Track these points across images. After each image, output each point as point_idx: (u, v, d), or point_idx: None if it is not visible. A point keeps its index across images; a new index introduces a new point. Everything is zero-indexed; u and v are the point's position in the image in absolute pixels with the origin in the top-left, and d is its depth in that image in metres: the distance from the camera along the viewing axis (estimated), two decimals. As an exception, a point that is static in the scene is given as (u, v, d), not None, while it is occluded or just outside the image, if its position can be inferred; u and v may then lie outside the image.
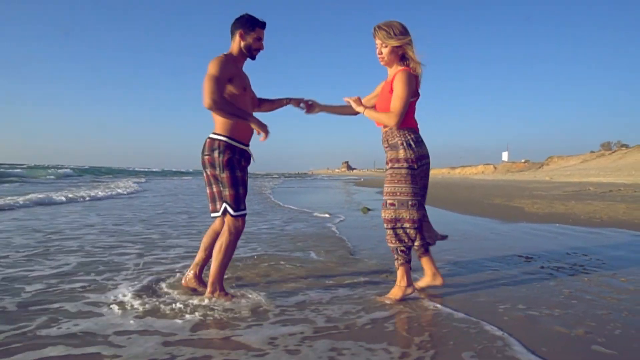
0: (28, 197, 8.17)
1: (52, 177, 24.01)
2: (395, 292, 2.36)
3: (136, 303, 2.23)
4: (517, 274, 2.97)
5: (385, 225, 2.43)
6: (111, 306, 2.20)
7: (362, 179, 38.81)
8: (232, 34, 2.41)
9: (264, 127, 2.27)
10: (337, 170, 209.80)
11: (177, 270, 2.98)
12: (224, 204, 2.33)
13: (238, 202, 2.33)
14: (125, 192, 11.95)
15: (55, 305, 2.23)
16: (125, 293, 2.40)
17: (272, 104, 2.74)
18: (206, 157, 2.35)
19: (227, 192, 2.31)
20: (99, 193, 10.71)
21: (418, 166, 2.38)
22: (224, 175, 2.31)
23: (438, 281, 2.52)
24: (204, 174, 2.44)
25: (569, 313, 2.16)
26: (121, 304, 2.23)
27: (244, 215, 2.38)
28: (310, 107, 2.72)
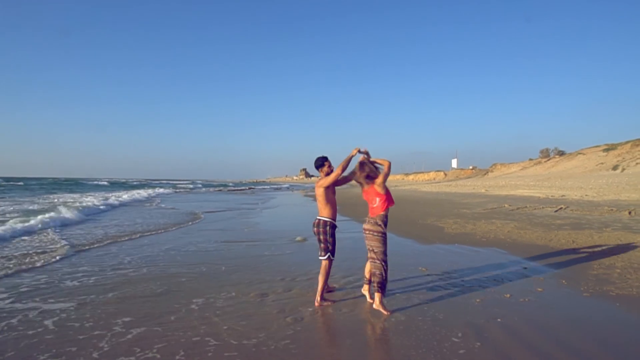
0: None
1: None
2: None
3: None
4: (414, 279, 5.73)
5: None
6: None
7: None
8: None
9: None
10: (295, 178, 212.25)
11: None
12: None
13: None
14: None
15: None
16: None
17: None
18: None
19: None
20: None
21: None
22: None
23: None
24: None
25: (420, 293, 4.91)
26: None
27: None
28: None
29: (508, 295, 4.88)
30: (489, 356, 3.27)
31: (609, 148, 53.35)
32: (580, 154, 59.83)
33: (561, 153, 70.49)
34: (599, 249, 7.58)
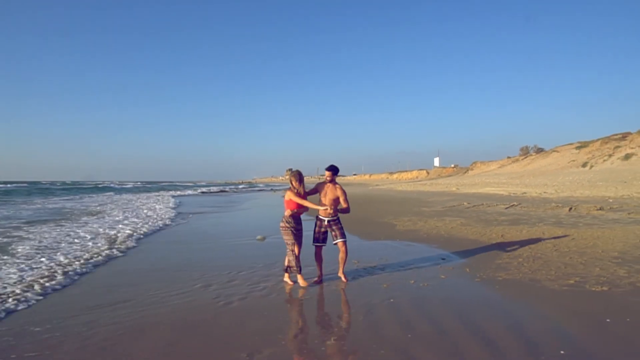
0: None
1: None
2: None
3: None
4: (348, 272, 6.59)
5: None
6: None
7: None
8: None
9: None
10: (281, 178, 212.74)
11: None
12: None
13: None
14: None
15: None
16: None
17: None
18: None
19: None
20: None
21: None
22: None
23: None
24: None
25: (352, 285, 5.77)
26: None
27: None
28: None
29: (412, 281, 5.77)
30: (363, 325, 4.14)
31: (581, 146, 55.20)
32: (554, 151, 61.67)
33: (540, 150, 72.33)
34: (519, 241, 8.55)
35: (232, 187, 77.98)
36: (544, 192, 21.84)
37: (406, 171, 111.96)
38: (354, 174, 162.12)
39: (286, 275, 5.97)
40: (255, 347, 3.67)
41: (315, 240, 6.07)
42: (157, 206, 21.97)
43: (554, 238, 8.72)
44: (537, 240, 8.56)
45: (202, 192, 46.83)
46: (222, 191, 51.21)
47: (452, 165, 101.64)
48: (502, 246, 8.22)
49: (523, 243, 8.37)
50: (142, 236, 10.87)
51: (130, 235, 10.70)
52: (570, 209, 13.81)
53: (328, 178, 5.97)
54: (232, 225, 14.61)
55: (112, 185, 79.22)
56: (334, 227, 5.97)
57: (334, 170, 6.02)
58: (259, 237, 10.46)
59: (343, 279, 5.99)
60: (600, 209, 13.20)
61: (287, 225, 5.83)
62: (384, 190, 36.04)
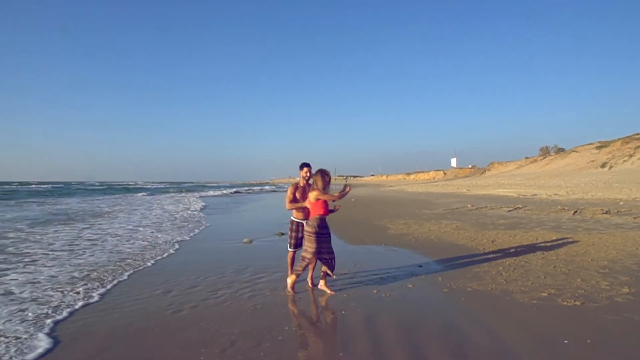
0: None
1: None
2: None
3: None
4: (316, 279, 6.34)
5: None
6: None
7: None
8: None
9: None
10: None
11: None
12: None
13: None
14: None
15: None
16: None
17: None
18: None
19: None
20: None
21: None
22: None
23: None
24: None
25: (311, 294, 5.53)
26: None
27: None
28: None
29: (375, 291, 5.48)
30: (299, 340, 3.91)
31: (602, 145, 53.49)
32: (574, 151, 59.95)
33: (560, 151, 70.47)
34: (508, 248, 8.16)
35: (257, 187, 79.31)
36: (555, 194, 21.10)
37: (423, 172, 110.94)
38: (372, 175, 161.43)
39: (307, 281, 5.83)
40: (175, 363, 3.48)
41: (295, 245, 5.90)
42: (186, 207, 22.39)
43: (546, 244, 8.30)
44: (527, 247, 8.15)
45: (230, 193, 46.95)
46: (236, 192, 51.70)
47: (470, 166, 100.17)
48: (488, 252, 7.84)
49: (511, 249, 7.98)
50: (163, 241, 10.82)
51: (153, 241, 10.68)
52: (575, 212, 13.23)
53: (307, 175, 5.89)
54: (229, 225, 14.49)
55: (145, 186, 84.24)
56: None
57: (311, 167, 5.95)
58: (245, 240, 10.31)
59: (310, 284, 5.81)
60: (606, 213, 12.60)
61: (313, 230, 5.41)
62: (394, 192, 35.55)
